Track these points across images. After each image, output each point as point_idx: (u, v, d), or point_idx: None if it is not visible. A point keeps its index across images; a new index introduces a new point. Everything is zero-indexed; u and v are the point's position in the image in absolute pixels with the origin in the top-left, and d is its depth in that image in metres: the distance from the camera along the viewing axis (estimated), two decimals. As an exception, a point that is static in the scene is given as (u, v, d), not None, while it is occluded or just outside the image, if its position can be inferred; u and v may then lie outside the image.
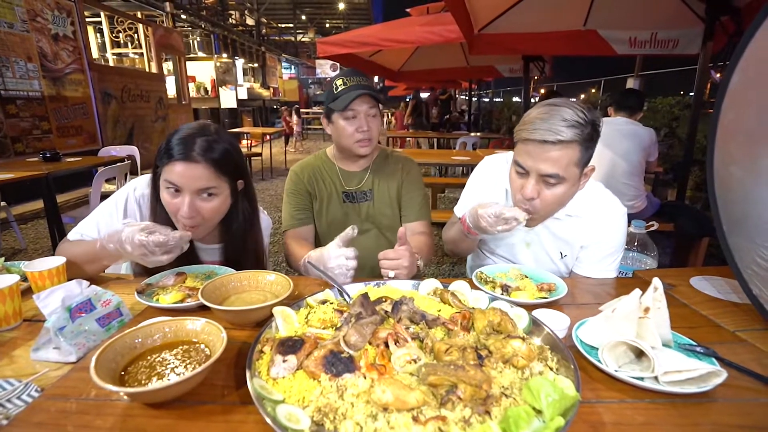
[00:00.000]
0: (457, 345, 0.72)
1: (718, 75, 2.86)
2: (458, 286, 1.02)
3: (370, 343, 0.75)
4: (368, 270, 1.50)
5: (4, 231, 4.11)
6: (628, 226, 1.31)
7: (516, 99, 14.27)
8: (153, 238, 0.95)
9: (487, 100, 17.90)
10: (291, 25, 22.52)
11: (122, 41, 8.12)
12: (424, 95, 10.68)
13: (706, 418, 0.64)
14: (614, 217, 1.22)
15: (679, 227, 2.74)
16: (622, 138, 2.75)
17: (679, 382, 0.69)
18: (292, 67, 26.54)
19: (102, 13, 7.24)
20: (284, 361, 0.68)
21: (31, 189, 3.50)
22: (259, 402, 0.59)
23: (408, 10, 6.43)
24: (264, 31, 19.49)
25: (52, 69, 5.20)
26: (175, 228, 1.07)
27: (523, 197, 1.11)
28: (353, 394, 0.62)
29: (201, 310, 0.95)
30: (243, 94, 14.25)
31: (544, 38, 3.58)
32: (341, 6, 19.77)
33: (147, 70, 7.95)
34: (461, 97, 13.65)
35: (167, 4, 9.52)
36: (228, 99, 13.46)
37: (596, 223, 1.22)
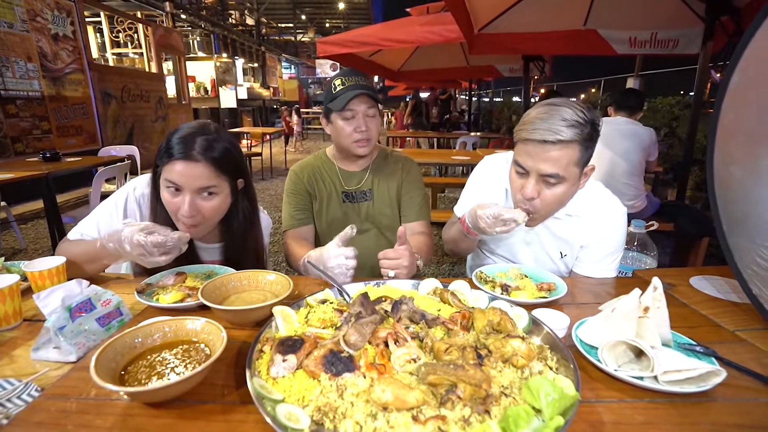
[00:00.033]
0: (457, 344, 0.72)
1: (718, 75, 2.86)
2: (458, 285, 1.02)
3: (369, 343, 0.75)
4: (368, 270, 1.50)
5: (4, 231, 4.11)
6: (628, 225, 1.31)
7: (516, 99, 14.28)
8: (151, 239, 0.95)
9: (487, 99, 17.90)
10: (291, 25, 22.51)
11: (122, 41, 8.13)
12: (423, 95, 10.67)
13: (706, 417, 0.65)
14: (614, 217, 1.22)
15: (679, 227, 2.74)
16: (622, 138, 2.75)
17: (678, 381, 0.69)
18: (292, 66, 26.53)
19: (102, 13, 7.24)
20: (284, 360, 0.68)
21: (31, 189, 3.50)
22: (259, 401, 0.59)
23: (408, 9, 6.42)
24: (264, 30, 19.48)
25: (52, 69, 5.20)
26: (175, 228, 1.08)
27: (523, 197, 1.11)
28: (353, 393, 0.62)
29: (201, 309, 0.95)
30: (243, 94, 14.25)
31: (544, 38, 3.58)
32: (341, 6, 19.76)
33: (147, 70, 7.95)
34: (461, 96, 13.64)
35: (167, 3, 9.51)
36: (228, 99, 13.46)
37: (596, 222, 1.22)
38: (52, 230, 3.17)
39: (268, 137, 8.14)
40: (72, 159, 3.76)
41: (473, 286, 1.05)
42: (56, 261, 1.01)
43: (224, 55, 14.18)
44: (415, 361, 0.69)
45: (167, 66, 8.84)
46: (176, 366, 0.70)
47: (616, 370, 0.73)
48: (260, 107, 16.39)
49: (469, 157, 4.41)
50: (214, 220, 1.17)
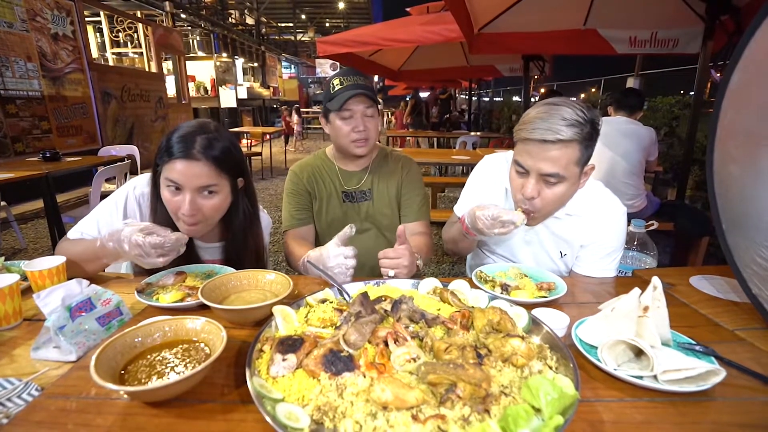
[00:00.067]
0: (457, 344, 0.72)
1: (718, 74, 2.86)
2: (458, 285, 1.02)
3: (369, 342, 0.75)
4: (368, 269, 1.50)
5: (4, 230, 4.11)
6: (628, 225, 1.31)
7: (516, 98, 14.27)
8: (150, 240, 0.96)
9: (487, 99, 17.87)
10: (291, 25, 22.48)
11: (122, 41, 8.12)
12: (423, 95, 10.66)
13: (705, 416, 0.65)
14: (614, 217, 1.22)
15: (678, 226, 2.74)
16: (622, 137, 2.75)
17: (678, 380, 0.69)
18: (292, 66, 26.51)
19: (101, 13, 7.23)
20: (284, 359, 0.68)
21: (31, 188, 3.50)
22: (259, 401, 0.59)
23: (408, 9, 6.41)
24: (264, 30, 19.46)
25: (52, 68, 5.19)
26: (174, 228, 1.08)
27: (523, 196, 1.11)
28: (353, 392, 0.62)
29: (201, 309, 0.95)
30: (243, 94, 14.24)
31: (544, 37, 3.58)
32: (341, 5, 19.74)
33: (147, 69, 7.94)
34: (461, 96, 13.64)
35: (167, 3, 9.50)
36: (228, 98, 13.46)
37: (596, 222, 1.22)
38: (52, 230, 3.17)
39: (268, 137, 8.13)
40: (72, 159, 3.76)
41: (473, 285, 1.05)
42: (56, 261, 1.01)
43: (224, 54, 14.17)
44: (414, 360, 0.69)
45: (167, 66, 8.83)
46: (176, 365, 0.70)
47: (615, 370, 0.73)
48: (260, 107, 16.38)
49: (468, 156, 4.41)
50: (215, 218, 1.17)
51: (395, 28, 4.63)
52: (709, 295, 1.09)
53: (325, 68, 21.17)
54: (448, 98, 10.87)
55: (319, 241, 1.59)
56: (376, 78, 10.70)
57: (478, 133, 8.41)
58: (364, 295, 0.86)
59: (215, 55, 13.62)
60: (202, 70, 13.33)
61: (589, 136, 1.04)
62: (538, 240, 1.31)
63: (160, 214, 1.14)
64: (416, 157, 1.96)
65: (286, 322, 0.83)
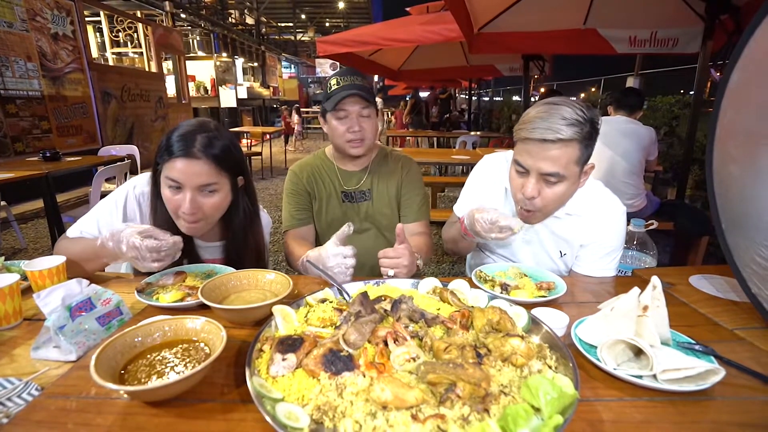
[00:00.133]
0: (456, 343, 0.72)
1: (718, 74, 2.86)
2: (457, 284, 1.02)
3: (369, 342, 0.75)
4: (368, 269, 1.50)
5: (4, 230, 4.11)
6: (628, 224, 1.31)
7: (516, 98, 14.27)
8: (147, 243, 0.96)
9: (487, 99, 17.87)
10: (291, 24, 22.48)
11: (122, 40, 8.13)
12: (423, 94, 10.65)
13: (705, 416, 0.65)
14: (614, 216, 1.22)
15: (678, 226, 2.74)
16: (621, 137, 2.75)
17: (677, 380, 0.69)
18: (292, 66, 26.49)
19: (101, 13, 7.23)
20: (284, 359, 0.68)
21: (31, 188, 3.50)
22: (259, 400, 0.59)
23: (408, 9, 6.41)
24: (264, 30, 19.45)
25: (52, 68, 5.19)
26: (175, 227, 1.08)
27: (523, 196, 1.11)
28: (352, 392, 0.62)
29: (201, 308, 0.95)
30: (243, 94, 14.24)
31: (544, 37, 3.58)
32: (341, 5, 19.74)
33: (147, 69, 7.95)
34: (461, 96, 13.63)
35: (167, 3, 9.50)
36: (228, 98, 13.46)
37: (596, 221, 1.22)
38: (52, 230, 3.17)
39: (268, 137, 8.13)
40: (72, 158, 3.76)
41: (473, 285, 1.05)
42: (56, 260, 1.01)
43: (224, 54, 14.16)
44: (414, 360, 0.69)
45: (167, 65, 8.83)
46: (176, 365, 0.70)
47: (615, 369, 0.73)
48: (260, 107, 16.39)
49: (468, 156, 4.41)
50: (215, 217, 1.17)
51: (395, 27, 4.63)
52: (709, 294, 1.09)
53: (325, 68, 21.16)
54: (448, 98, 10.86)
55: (319, 241, 1.59)
56: (376, 78, 10.71)
57: (478, 133, 8.41)
58: (364, 294, 0.86)
59: (215, 54, 13.61)
60: (202, 69, 13.33)
61: (589, 136, 1.04)
62: (537, 239, 1.31)
63: (161, 213, 1.15)
64: (416, 157, 1.96)
65: (285, 321, 0.83)
